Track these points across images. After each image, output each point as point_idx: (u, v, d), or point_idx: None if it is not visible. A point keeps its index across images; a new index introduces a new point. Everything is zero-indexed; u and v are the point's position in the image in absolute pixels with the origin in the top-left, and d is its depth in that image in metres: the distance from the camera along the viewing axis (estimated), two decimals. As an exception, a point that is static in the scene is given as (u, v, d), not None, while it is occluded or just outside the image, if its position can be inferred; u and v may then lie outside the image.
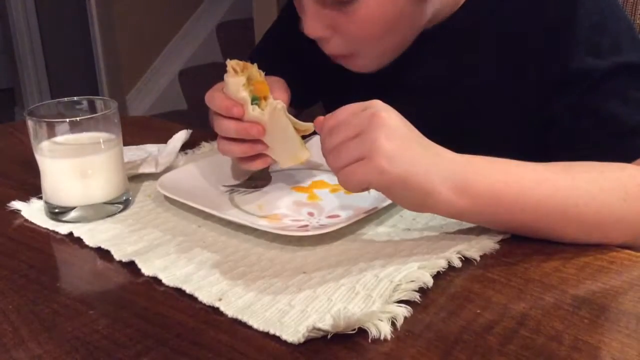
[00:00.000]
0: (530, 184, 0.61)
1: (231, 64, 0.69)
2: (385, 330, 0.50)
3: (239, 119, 0.69)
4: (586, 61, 0.71)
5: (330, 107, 0.96)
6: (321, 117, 0.64)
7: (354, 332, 0.50)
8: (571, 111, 0.72)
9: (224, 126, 0.71)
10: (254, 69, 0.69)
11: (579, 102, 0.71)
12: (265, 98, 0.69)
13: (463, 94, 0.81)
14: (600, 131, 0.71)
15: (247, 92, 0.68)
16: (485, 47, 0.78)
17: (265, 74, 0.71)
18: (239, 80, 0.68)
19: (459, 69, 0.80)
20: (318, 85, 0.97)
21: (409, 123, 0.62)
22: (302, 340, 0.49)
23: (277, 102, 0.69)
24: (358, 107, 0.61)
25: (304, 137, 0.72)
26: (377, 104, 0.61)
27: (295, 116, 0.71)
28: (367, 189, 0.61)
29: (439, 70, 0.82)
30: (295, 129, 0.70)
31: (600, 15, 0.72)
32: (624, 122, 0.70)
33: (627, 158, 0.67)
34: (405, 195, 0.60)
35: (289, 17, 0.98)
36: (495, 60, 0.78)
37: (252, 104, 0.68)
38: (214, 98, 0.71)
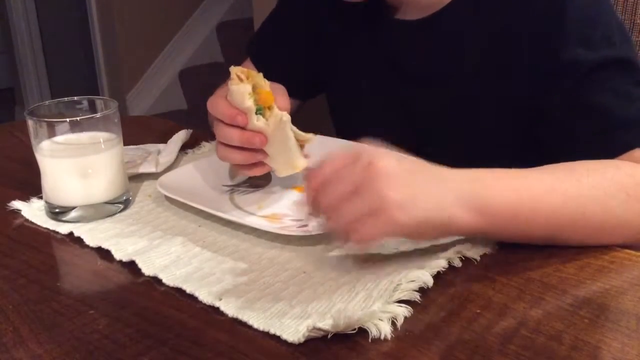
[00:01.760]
0: (540, 194, 0.61)
1: (235, 71, 0.68)
2: (385, 330, 0.50)
3: (242, 128, 0.69)
4: (577, 52, 0.71)
5: (335, 97, 0.96)
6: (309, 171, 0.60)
7: (354, 331, 0.50)
8: (562, 103, 0.73)
9: (226, 134, 0.70)
10: (259, 78, 0.68)
11: (570, 94, 0.72)
12: (269, 108, 0.68)
13: (460, 83, 0.81)
14: (590, 123, 0.71)
15: (252, 101, 0.67)
16: (480, 38, 0.78)
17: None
18: (245, 89, 0.67)
19: (457, 58, 0.81)
20: (319, 74, 0.98)
21: (404, 158, 0.59)
22: (302, 340, 0.49)
23: (282, 113, 0.68)
24: (347, 159, 0.57)
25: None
26: (369, 153, 0.57)
27: (298, 108, 0.71)
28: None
29: (437, 60, 0.82)
30: (296, 139, 0.70)
31: (591, 9, 0.73)
32: (615, 115, 0.70)
33: (617, 150, 0.68)
34: (426, 233, 0.59)
35: (289, 4, 0.99)
36: (489, 51, 0.78)
37: (256, 113, 0.68)
38: (217, 105, 0.70)
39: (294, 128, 0.70)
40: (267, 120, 0.68)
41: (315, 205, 0.58)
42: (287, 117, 0.68)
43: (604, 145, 0.68)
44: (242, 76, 0.68)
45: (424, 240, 0.61)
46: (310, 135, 0.70)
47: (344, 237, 0.57)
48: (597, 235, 0.63)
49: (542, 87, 0.74)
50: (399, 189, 0.55)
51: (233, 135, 0.69)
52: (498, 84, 0.78)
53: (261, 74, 0.69)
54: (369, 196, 0.55)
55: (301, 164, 0.72)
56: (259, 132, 0.68)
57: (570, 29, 0.72)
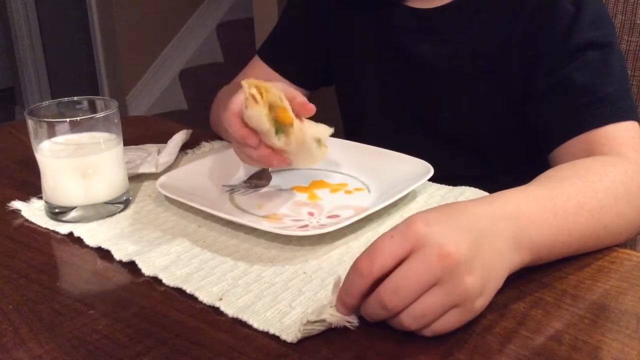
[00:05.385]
0: (572, 215, 0.59)
1: (250, 91, 0.65)
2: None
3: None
4: (565, 35, 0.77)
5: (342, 83, 0.99)
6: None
7: (353, 328, 0.50)
8: (549, 82, 0.78)
9: (244, 153, 0.70)
10: (272, 95, 0.66)
11: (554, 72, 0.78)
12: (289, 124, 0.66)
13: (462, 70, 0.86)
14: (572, 99, 0.76)
15: (270, 123, 0.65)
16: (478, 28, 0.85)
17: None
18: (261, 112, 0.65)
19: (457, 45, 0.86)
20: (328, 60, 1.00)
21: (444, 219, 0.51)
22: (299, 336, 0.49)
23: (301, 124, 0.66)
24: (401, 246, 0.49)
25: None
26: (427, 239, 0.48)
27: (308, 98, 0.70)
28: None
29: (439, 46, 0.87)
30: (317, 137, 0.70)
31: None
32: (595, 92, 0.75)
33: (595, 124, 0.73)
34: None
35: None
36: (486, 39, 0.84)
37: (276, 134, 0.66)
38: (230, 124, 0.69)
39: (312, 123, 0.69)
40: (288, 137, 0.66)
41: (376, 303, 0.49)
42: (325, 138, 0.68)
43: (583, 119, 0.74)
44: (257, 97, 0.65)
45: None
46: (329, 130, 0.70)
47: (413, 327, 0.49)
48: (610, 239, 0.63)
49: (532, 69, 0.80)
50: (476, 273, 0.49)
51: (251, 155, 0.69)
52: (497, 72, 0.84)
53: (272, 87, 0.66)
54: (451, 289, 0.48)
55: (320, 156, 0.71)
56: (280, 150, 0.68)
57: (561, 13, 0.78)
